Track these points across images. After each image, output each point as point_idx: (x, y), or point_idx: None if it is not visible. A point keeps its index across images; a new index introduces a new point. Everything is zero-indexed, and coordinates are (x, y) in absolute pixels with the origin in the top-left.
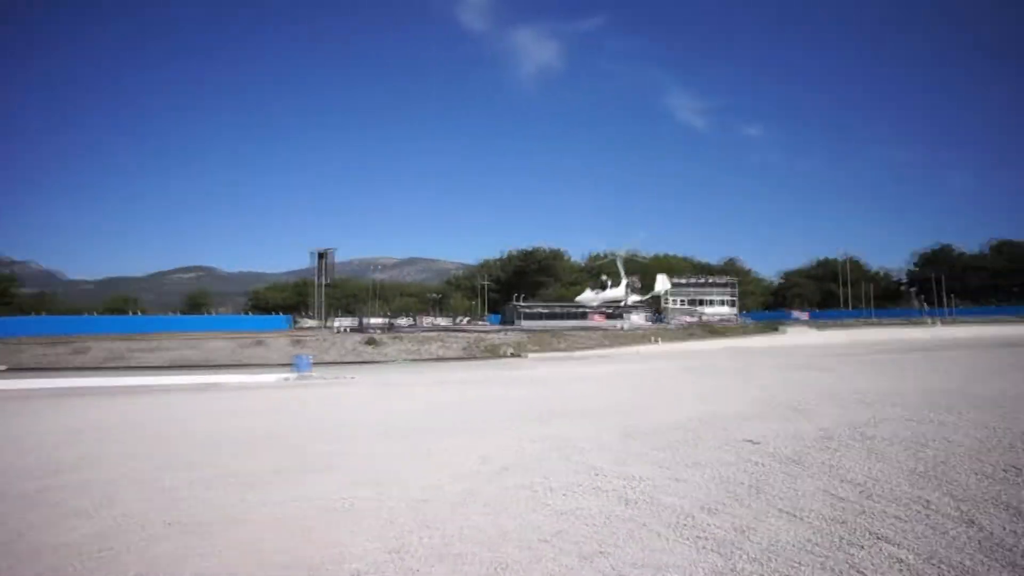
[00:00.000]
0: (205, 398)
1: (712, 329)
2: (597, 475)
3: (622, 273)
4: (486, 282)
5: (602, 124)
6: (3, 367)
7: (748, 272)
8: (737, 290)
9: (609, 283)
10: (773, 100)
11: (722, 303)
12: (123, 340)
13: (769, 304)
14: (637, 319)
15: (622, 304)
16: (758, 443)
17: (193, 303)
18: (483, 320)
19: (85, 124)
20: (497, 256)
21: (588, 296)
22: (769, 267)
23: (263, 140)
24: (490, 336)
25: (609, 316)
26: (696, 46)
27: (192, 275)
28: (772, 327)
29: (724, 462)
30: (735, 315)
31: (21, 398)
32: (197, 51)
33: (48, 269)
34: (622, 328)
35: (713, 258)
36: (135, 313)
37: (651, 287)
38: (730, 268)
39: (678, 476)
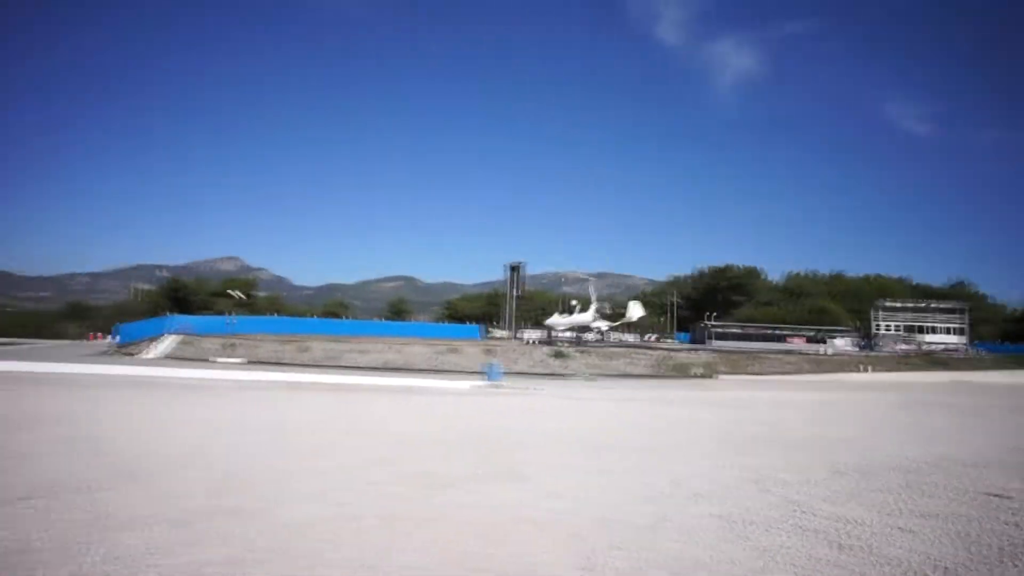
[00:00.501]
0: (406, 400)
1: (934, 359)
2: (802, 512)
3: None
4: (675, 299)
5: (806, 132)
6: (245, 360)
7: (982, 297)
8: (967, 317)
9: (578, 307)
10: (1005, 103)
11: (947, 331)
12: (337, 341)
13: (1010, 334)
14: (842, 344)
15: (593, 329)
16: (1008, 498)
17: (395, 310)
18: (671, 338)
19: (321, 155)
20: (688, 273)
21: (556, 320)
22: (1010, 292)
23: (463, 159)
24: (679, 355)
25: (810, 340)
26: (917, 46)
27: (395, 284)
28: (1017, 362)
29: (962, 516)
30: (964, 345)
31: (263, 388)
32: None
33: (278, 276)
34: (825, 353)
35: (937, 280)
36: (347, 317)
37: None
38: (958, 292)
39: (903, 525)
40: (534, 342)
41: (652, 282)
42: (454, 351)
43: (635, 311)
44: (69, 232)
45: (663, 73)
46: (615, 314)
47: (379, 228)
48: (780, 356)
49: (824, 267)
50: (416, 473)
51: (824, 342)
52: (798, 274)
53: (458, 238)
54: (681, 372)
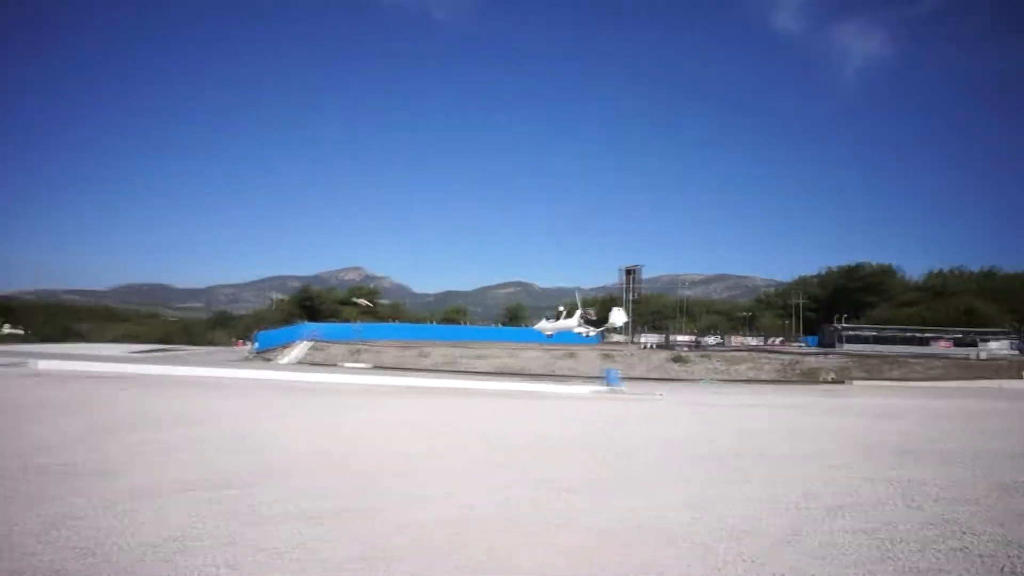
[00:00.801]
0: (524, 405)
1: None
2: (963, 533)
3: None
4: (801, 300)
5: (941, 116)
6: (369, 365)
7: None
8: None
9: (564, 313)
10: None
11: None
12: (455, 347)
13: None
14: (997, 347)
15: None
16: None
17: (512, 315)
18: (798, 341)
19: (439, 166)
20: (814, 273)
21: (543, 325)
22: None
23: (577, 163)
24: (807, 359)
25: (959, 343)
26: None
27: (511, 290)
28: None
29: None
30: None
31: (386, 393)
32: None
33: (399, 284)
34: (977, 357)
35: None
36: (465, 323)
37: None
38: None
39: None
40: (652, 346)
41: (774, 282)
42: (571, 356)
43: (617, 317)
44: (215, 248)
45: (781, 63)
46: (600, 319)
47: (495, 235)
48: (923, 361)
49: (972, 263)
50: (538, 478)
51: (975, 345)
52: (941, 272)
53: (572, 243)
54: (810, 377)
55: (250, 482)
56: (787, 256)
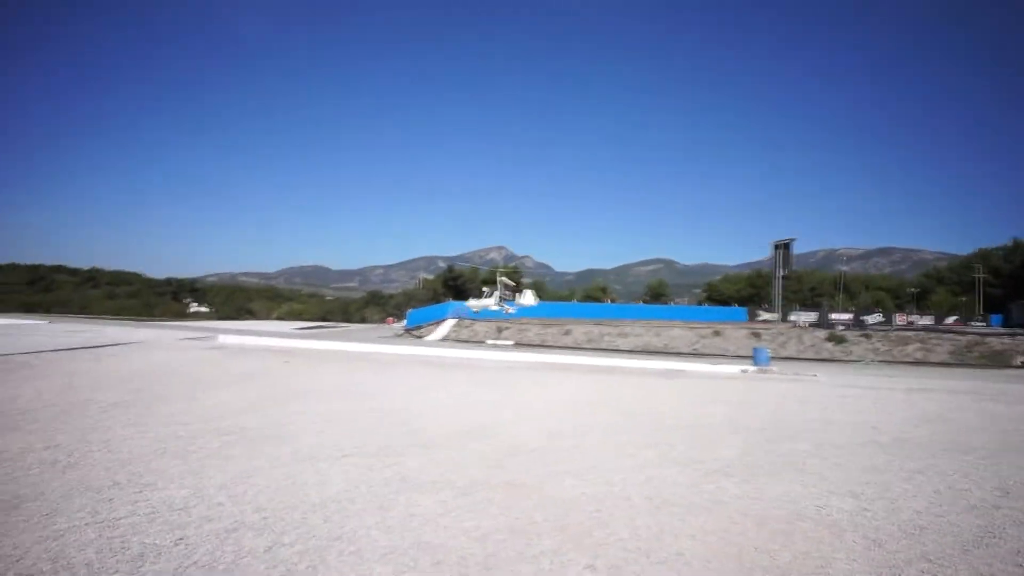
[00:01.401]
0: (669, 383)
1: None
2: None
3: None
4: (981, 275)
5: None
6: (513, 342)
7: None
8: None
9: (486, 292)
10: None
11: None
12: (597, 325)
13: None
14: None
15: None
16: None
17: (654, 293)
18: (979, 320)
19: (577, 146)
20: (999, 244)
21: (471, 303)
22: None
23: (722, 135)
24: (990, 340)
25: None
26: None
27: (653, 267)
28: None
29: None
30: None
31: (529, 369)
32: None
33: (542, 262)
34: None
35: None
36: (606, 301)
37: None
38: None
39: None
40: (805, 325)
41: (947, 255)
42: (717, 334)
43: (528, 299)
44: (369, 230)
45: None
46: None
47: (637, 212)
48: None
49: None
50: (684, 458)
51: None
52: None
53: (716, 218)
54: (996, 361)
55: (400, 452)
56: (963, 226)
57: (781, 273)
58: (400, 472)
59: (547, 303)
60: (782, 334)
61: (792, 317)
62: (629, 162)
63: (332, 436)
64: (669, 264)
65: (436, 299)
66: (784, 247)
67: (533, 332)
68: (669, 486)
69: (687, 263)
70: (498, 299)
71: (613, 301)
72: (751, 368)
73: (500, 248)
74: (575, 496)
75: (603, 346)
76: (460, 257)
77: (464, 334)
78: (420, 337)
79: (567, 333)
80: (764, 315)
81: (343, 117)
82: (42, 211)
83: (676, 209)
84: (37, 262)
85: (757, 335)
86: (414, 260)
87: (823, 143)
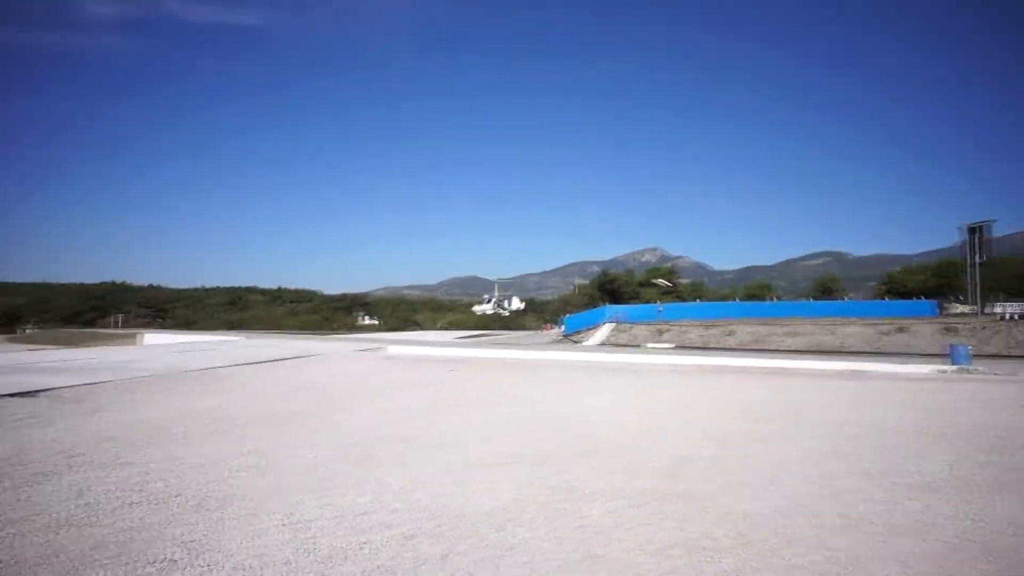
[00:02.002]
0: (850, 385)
1: None
2: None
3: None
4: None
5: None
6: (673, 345)
7: None
8: None
9: (486, 298)
10: None
11: None
12: (762, 324)
13: None
14: None
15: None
16: None
17: (823, 288)
18: None
19: (731, 137)
20: None
21: (479, 308)
22: None
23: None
24: None
25: None
26: None
27: (820, 261)
28: None
29: None
30: None
31: (692, 373)
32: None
33: (697, 262)
34: None
35: None
36: (770, 299)
37: None
38: None
39: None
40: (1012, 317)
41: None
42: (902, 330)
43: (515, 303)
44: (525, 238)
45: None
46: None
47: (800, 204)
48: None
49: None
50: (877, 470)
51: None
52: None
53: (893, 204)
54: None
55: (567, 459)
56: None
57: (977, 259)
58: (568, 480)
59: (705, 303)
60: (984, 328)
61: (997, 308)
62: (786, 150)
63: (499, 443)
64: (839, 256)
65: (592, 304)
66: (979, 230)
67: (694, 334)
68: (863, 502)
69: (860, 254)
70: (495, 304)
71: (777, 299)
72: (949, 368)
73: (654, 249)
74: (756, 510)
75: (771, 347)
76: (613, 261)
77: (623, 338)
78: (578, 342)
79: (731, 334)
80: (958, 307)
81: (495, 129)
82: (237, 238)
83: (843, 196)
84: (235, 284)
85: (952, 330)
86: (567, 266)
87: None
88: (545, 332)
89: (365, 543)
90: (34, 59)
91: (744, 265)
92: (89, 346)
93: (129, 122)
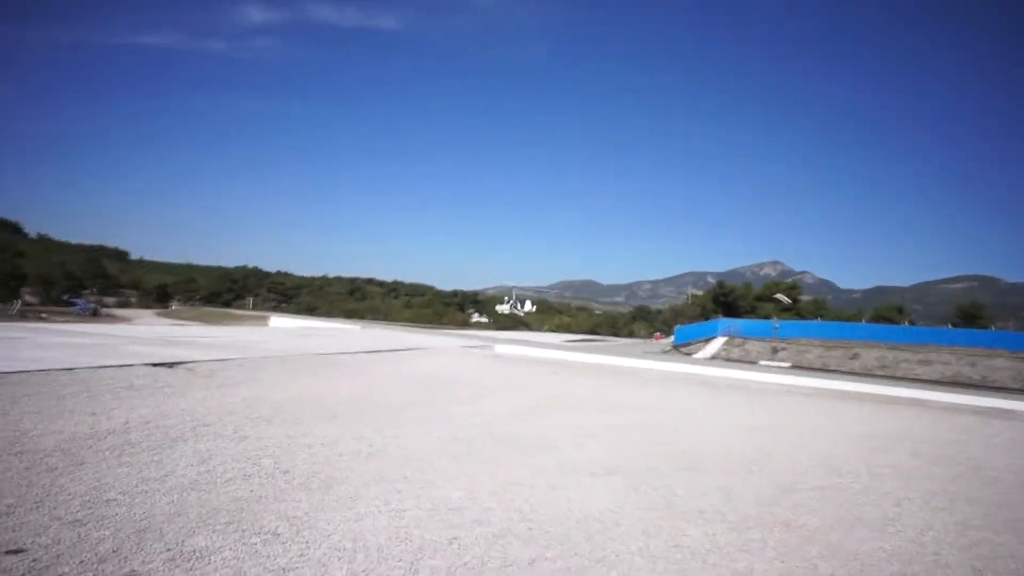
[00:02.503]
0: (993, 425)
1: None
2: None
3: None
4: None
5: None
6: (789, 364)
7: None
8: None
9: (506, 299)
10: None
11: None
12: (893, 349)
13: None
14: None
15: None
16: None
17: (965, 314)
18: None
19: (868, 146)
20: None
21: (500, 308)
22: None
23: None
24: None
25: None
26: None
27: (964, 284)
28: None
29: None
30: None
31: (813, 396)
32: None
33: (823, 279)
34: None
35: None
36: (903, 323)
37: None
38: None
39: None
40: None
41: None
42: None
43: (527, 307)
44: (636, 246)
45: None
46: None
47: (945, 221)
48: None
49: None
50: None
51: None
52: None
53: None
54: None
55: (666, 474)
56: None
57: None
58: (666, 497)
59: (827, 322)
60: None
61: None
62: (932, 158)
63: (596, 450)
64: (988, 281)
65: (705, 315)
66: None
67: (813, 354)
68: (1004, 558)
69: (1014, 280)
70: (511, 307)
71: (910, 324)
72: None
73: (775, 263)
74: (868, 550)
75: (899, 374)
76: (731, 273)
77: (735, 353)
78: (688, 354)
79: (854, 357)
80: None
81: (622, 131)
82: (356, 233)
83: (999, 213)
84: (355, 275)
85: None
86: (682, 275)
87: None
88: (655, 341)
89: (455, 538)
90: (202, 62)
91: (874, 284)
92: (224, 325)
93: (269, 118)
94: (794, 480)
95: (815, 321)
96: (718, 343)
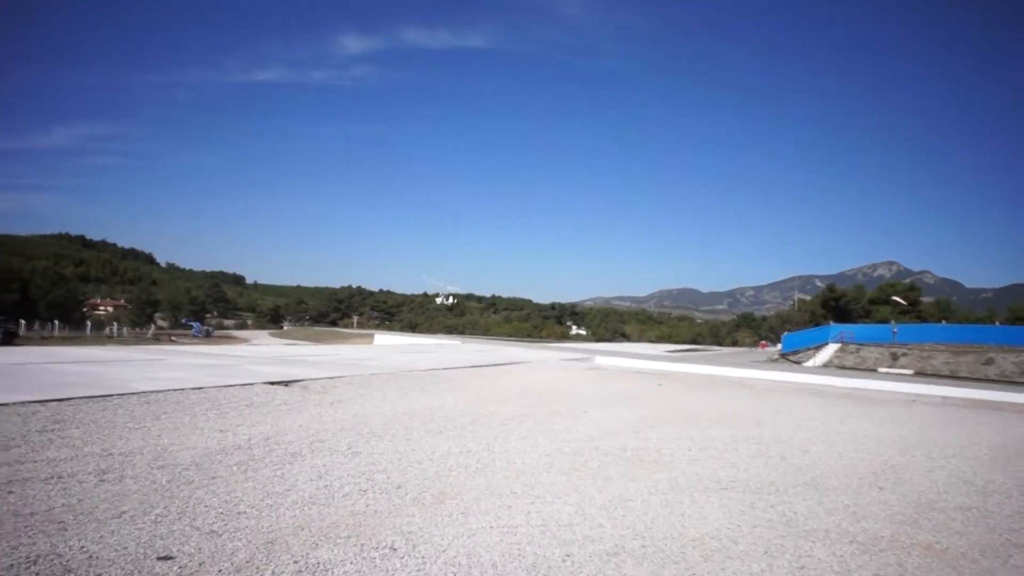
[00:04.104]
0: None
1: None
2: None
3: None
4: None
5: None
6: (911, 371)
7: None
8: None
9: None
10: None
11: None
12: None
13: None
14: None
15: None
16: None
17: None
18: None
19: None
20: None
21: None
22: None
23: None
24: None
25: None
26: None
27: None
28: None
29: None
30: None
31: (939, 406)
32: None
33: (945, 278)
34: None
35: None
36: None
37: None
38: None
39: None
40: None
41: None
42: None
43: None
44: (737, 250)
45: None
46: None
47: None
48: None
49: None
50: None
51: None
52: None
53: None
54: None
55: (785, 490)
56: None
57: None
58: (786, 514)
59: (954, 325)
60: None
61: None
62: None
63: (709, 465)
64: None
65: (814, 321)
66: None
67: (939, 360)
68: None
69: None
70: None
71: None
72: None
73: (890, 264)
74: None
75: None
76: (840, 276)
77: (849, 360)
78: (798, 363)
79: (988, 362)
80: None
81: (718, 130)
82: (455, 249)
83: None
84: (456, 291)
85: None
86: (787, 280)
87: None
88: (760, 350)
89: (568, 555)
90: (303, 93)
91: (1009, 283)
92: (332, 343)
93: (367, 142)
94: (931, 499)
95: (939, 324)
96: (830, 350)
